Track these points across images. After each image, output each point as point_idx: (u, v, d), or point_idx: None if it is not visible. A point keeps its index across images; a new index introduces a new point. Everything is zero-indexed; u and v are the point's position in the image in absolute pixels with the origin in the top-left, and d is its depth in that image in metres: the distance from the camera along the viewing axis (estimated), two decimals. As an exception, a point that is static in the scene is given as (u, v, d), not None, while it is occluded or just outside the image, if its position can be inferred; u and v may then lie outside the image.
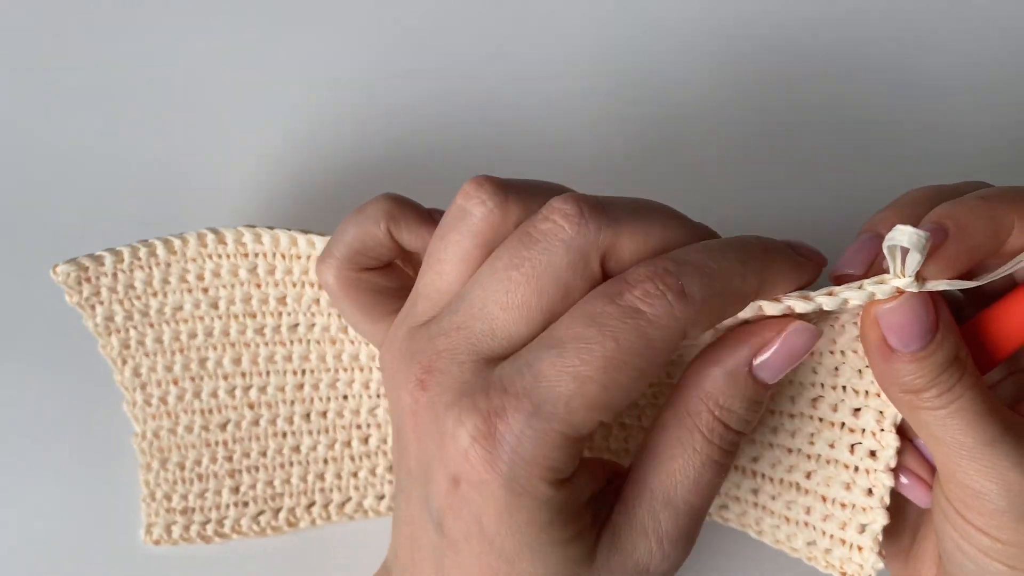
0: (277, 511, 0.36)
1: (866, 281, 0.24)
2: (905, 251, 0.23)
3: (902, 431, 0.28)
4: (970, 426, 0.24)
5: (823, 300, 0.24)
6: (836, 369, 0.28)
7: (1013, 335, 0.25)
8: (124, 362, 0.34)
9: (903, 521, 0.30)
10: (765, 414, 0.30)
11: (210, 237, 0.32)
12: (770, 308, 0.25)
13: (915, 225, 0.24)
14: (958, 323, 0.26)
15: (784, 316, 0.25)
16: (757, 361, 0.25)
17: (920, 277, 0.23)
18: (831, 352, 0.28)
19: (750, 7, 0.41)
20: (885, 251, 0.23)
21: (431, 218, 0.28)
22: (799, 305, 0.25)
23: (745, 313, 0.25)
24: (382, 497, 0.36)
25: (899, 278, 0.23)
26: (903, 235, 0.22)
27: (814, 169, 0.39)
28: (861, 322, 0.25)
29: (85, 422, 0.37)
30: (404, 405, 0.25)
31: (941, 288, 0.24)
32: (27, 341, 0.37)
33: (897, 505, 0.29)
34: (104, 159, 0.39)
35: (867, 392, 0.28)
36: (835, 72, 0.40)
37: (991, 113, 0.40)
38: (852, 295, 0.24)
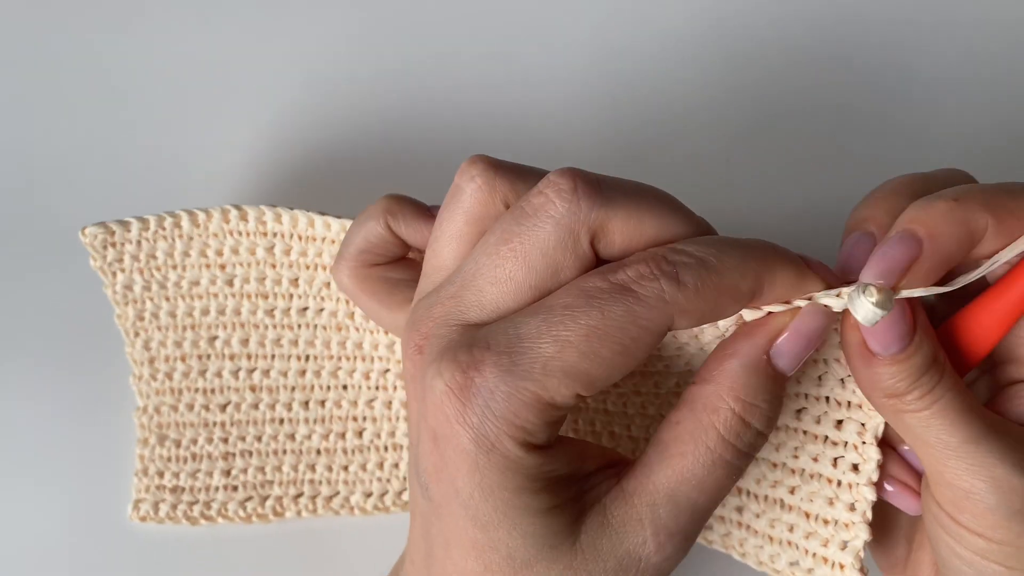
0: (265, 499, 0.36)
1: (843, 289, 0.24)
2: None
3: (885, 440, 0.27)
4: (954, 425, 0.24)
5: (802, 304, 0.25)
6: (819, 379, 0.28)
7: (987, 336, 0.26)
8: (136, 334, 0.35)
9: (896, 531, 0.29)
10: None
11: (233, 213, 0.34)
12: (750, 314, 0.25)
13: (888, 226, 0.25)
14: (932, 325, 0.26)
15: (794, 307, 0.25)
16: (773, 348, 0.24)
17: (895, 288, 0.24)
18: (814, 361, 0.28)
19: (745, 6, 0.41)
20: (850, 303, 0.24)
21: (429, 213, 0.29)
22: (779, 310, 0.25)
23: (728, 320, 0.25)
24: (369, 495, 0.36)
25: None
26: (860, 311, 0.23)
27: (809, 167, 0.39)
28: (841, 328, 0.25)
29: (78, 399, 0.37)
30: (407, 372, 0.26)
31: (916, 295, 0.24)
32: (25, 331, 0.38)
33: (889, 515, 0.29)
34: (103, 158, 0.40)
35: (849, 403, 0.28)
36: (830, 69, 0.40)
37: (986, 109, 0.40)
38: (831, 302, 0.25)
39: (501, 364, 0.23)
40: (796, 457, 0.29)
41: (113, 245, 0.34)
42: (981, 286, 0.26)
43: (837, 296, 0.24)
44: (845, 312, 0.25)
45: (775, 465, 0.30)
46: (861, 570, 0.28)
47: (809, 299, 0.25)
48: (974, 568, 0.25)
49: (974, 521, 0.24)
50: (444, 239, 0.26)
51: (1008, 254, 0.24)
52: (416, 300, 0.27)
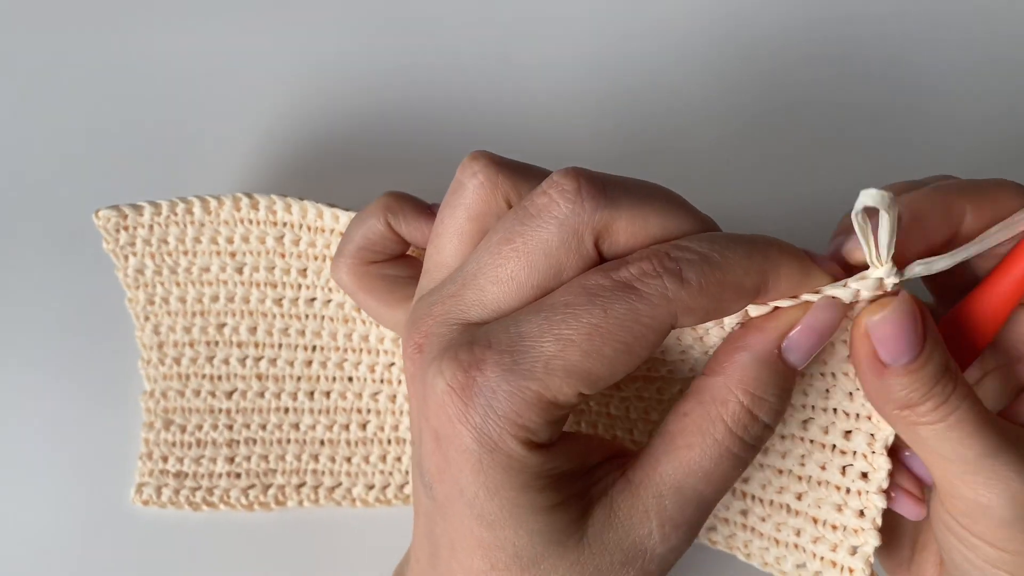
0: (267, 487, 0.36)
1: (849, 279, 0.24)
2: (876, 228, 0.23)
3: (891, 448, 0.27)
4: (970, 438, 0.24)
5: (811, 299, 0.24)
6: (827, 391, 0.27)
7: (986, 327, 0.26)
8: (147, 319, 0.36)
9: (901, 532, 0.29)
10: None
11: (244, 202, 0.34)
12: (756, 310, 0.25)
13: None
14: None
15: (805, 301, 0.24)
16: (785, 342, 0.24)
17: (899, 264, 0.23)
18: (821, 374, 0.27)
19: (745, 5, 0.41)
20: (855, 227, 0.23)
21: (429, 211, 0.29)
22: (787, 305, 0.24)
23: (732, 318, 0.25)
24: (371, 487, 0.36)
25: (878, 267, 0.23)
26: (868, 196, 0.22)
27: (812, 164, 0.39)
28: (851, 340, 0.25)
29: (84, 384, 0.37)
30: (407, 371, 0.25)
31: (919, 271, 0.24)
32: (34, 316, 0.38)
33: (894, 515, 0.28)
34: (105, 158, 0.40)
35: (858, 415, 0.27)
36: (830, 67, 0.40)
37: (985, 105, 0.39)
38: (837, 292, 0.24)
39: (503, 363, 0.22)
40: (803, 464, 0.29)
41: (126, 229, 0.34)
42: (973, 281, 0.26)
43: (844, 287, 0.24)
44: (855, 323, 0.25)
45: (781, 471, 0.29)
46: (871, 575, 0.27)
47: (817, 293, 0.24)
48: (987, 575, 0.25)
49: (988, 533, 0.24)
50: (446, 236, 0.26)
51: (1000, 229, 0.24)
52: (417, 298, 0.26)
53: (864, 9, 0.41)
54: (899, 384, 0.24)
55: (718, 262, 0.23)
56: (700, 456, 0.24)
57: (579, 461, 0.25)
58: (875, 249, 0.23)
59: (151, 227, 0.34)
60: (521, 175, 0.25)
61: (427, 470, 0.24)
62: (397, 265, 0.30)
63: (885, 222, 0.22)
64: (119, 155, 0.40)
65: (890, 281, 0.24)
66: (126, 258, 0.35)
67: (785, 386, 0.24)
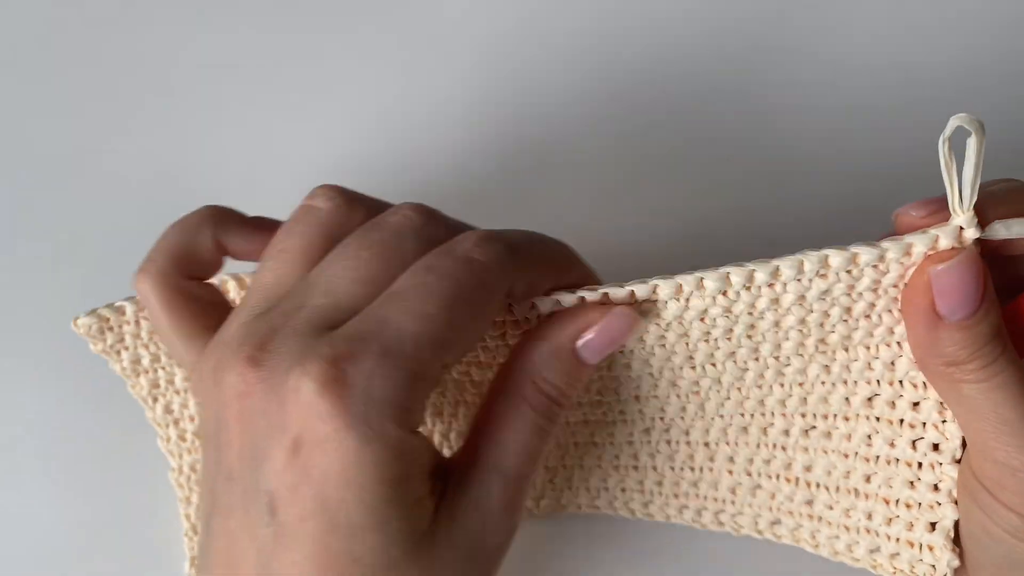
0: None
1: (930, 227, 0.24)
2: (960, 173, 0.23)
3: None
4: (1013, 399, 0.24)
5: (888, 246, 0.24)
6: (892, 363, 0.27)
7: None
8: (155, 400, 0.34)
9: None
10: (817, 419, 0.29)
11: (231, 284, 0.31)
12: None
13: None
14: None
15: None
16: (580, 342, 0.26)
17: (983, 220, 0.23)
18: (887, 344, 0.26)
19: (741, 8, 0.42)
20: (941, 157, 0.23)
21: (261, 224, 0.29)
22: (834, 256, 0.24)
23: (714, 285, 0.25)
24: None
25: (959, 215, 0.23)
26: (959, 119, 0.21)
27: (810, 165, 0.40)
28: (906, 290, 0.25)
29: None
30: (227, 391, 0.24)
31: (999, 231, 0.23)
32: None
33: None
34: (113, 170, 0.41)
35: (925, 384, 0.26)
36: (826, 69, 0.41)
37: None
38: (915, 239, 0.24)
39: (372, 350, 0.23)
40: (870, 445, 0.28)
41: (111, 329, 0.32)
42: None
43: (923, 233, 0.24)
44: (918, 271, 0.24)
45: (846, 455, 0.29)
46: (953, 550, 0.27)
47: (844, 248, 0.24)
48: (1003, 546, 0.25)
49: (1014, 499, 0.24)
50: (292, 252, 0.26)
51: None
52: (239, 318, 0.25)
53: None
54: (950, 339, 0.24)
55: (535, 239, 0.26)
56: (510, 434, 0.26)
57: (436, 458, 0.25)
58: (958, 192, 0.23)
59: (137, 321, 0.32)
60: (375, 205, 0.27)
61: (271, 491, 0.23)
62: (204, 288, 0.29)
63: (972, 151, 0.22)
64: (111, 187, 0.41)
65: (970, 234, 0.23)
66: (119, 353, 0.32)
67: (575, 375, 0.26)
